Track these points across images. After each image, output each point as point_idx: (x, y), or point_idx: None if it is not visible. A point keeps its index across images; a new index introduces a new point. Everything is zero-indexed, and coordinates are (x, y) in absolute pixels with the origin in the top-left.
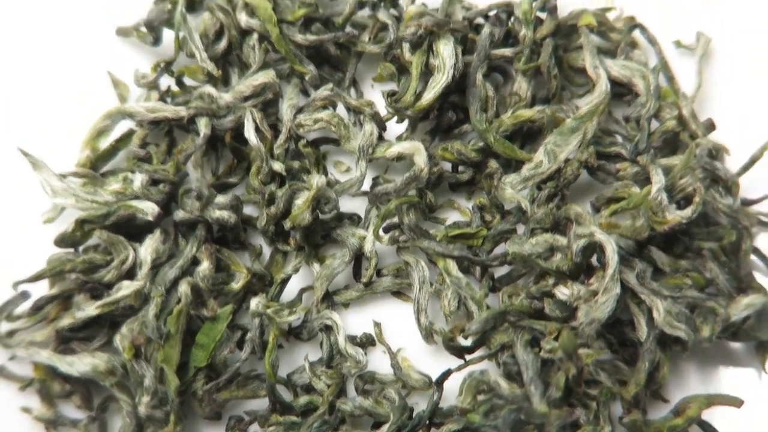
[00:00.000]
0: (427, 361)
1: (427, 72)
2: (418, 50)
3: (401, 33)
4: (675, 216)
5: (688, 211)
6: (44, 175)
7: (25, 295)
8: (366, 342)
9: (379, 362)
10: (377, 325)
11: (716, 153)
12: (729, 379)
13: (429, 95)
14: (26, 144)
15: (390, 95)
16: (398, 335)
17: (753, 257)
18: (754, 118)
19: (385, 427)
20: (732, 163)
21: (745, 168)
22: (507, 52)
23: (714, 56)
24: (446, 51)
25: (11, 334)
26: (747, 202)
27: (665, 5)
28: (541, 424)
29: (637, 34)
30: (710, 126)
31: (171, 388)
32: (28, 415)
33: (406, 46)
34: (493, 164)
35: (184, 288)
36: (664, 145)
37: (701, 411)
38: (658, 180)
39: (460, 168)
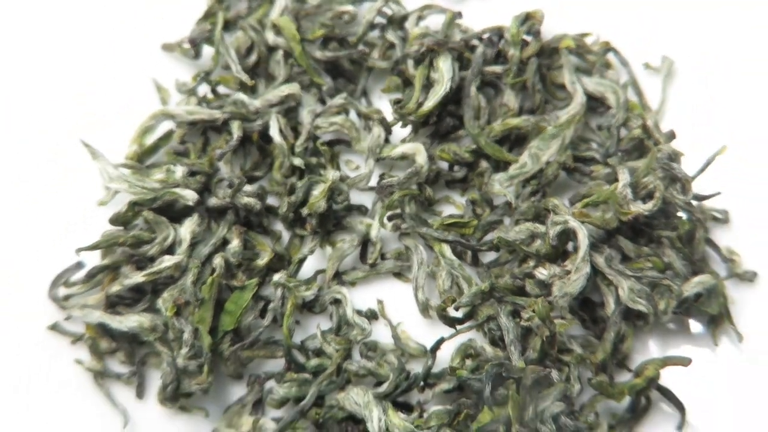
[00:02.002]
0: (423, 333)
1: (428, 84)
2: (421, 65)
3: (406, 50)
4: (638, 208)
5: (649, 205)
6: (102, 164)
7: (80, 265)
8: (370, 316)
9: (381, 335)
10: (380, 302)
11: (675, 157)
12: (686, 353)
13: (429, 103)
14: (85, 139)
15: (396, 102)
16: (398, 311)
17: (709, 249)
18: (710, 129)
19: (385, 384)
20: (689, 169)
21: (701, 170)
22: (497, 68)
23: (677, 76)
24: (445, 66)
25: (67, 298)
26: (699, 197)
27: (636, 33)
28: (519, 378)
29: (611, 56)
30: (671, 136)
31: (205, 344)
32: (81, 367)
33: (410, 62)
34: (484, 164)
35: (218, 260)
36: (632, 150)
37: (657, 371)
38: (624, 178)
39: (455, 167)
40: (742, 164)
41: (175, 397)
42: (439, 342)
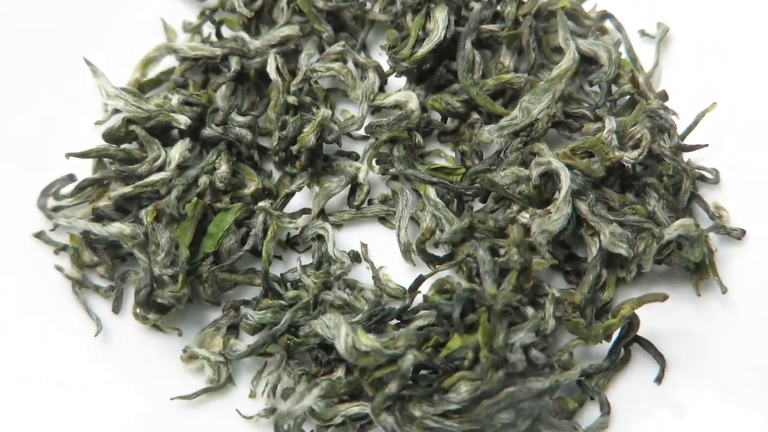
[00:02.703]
0: (404, 279)
1: (425, 36)
2: (418, 14)
3: None
4: (622, 153)
5: (635, 153)
6: (101, 81)
7: (71, 178)
8: (353, 258)
9: (362, 279)
10: (364, 245)
11: (666, 111)
12: (670, 307)
13: (423, 49)
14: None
15: (391, 48)
16: (381, 257)
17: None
18: (704, 96)
19: (359, 315)
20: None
21: (690, 128)
22: (494, 27)
23: (672, 43)
24: (441, 17)
25: (56, 209)
26: (686, 148)
27: (634, 5)
28: (490, 306)
29: (607, 23)
30: (663, 96)
31: (182, 255)
32: (60, 274)
33: (409, 15)
34: (475, 116)
35: (203, 179)
36: (625, 108)
37: (633, 309)
38: (610, 124)
39: (448, 120)
40: (736, 131)
41: (149, 304)
42: (419, 280)
